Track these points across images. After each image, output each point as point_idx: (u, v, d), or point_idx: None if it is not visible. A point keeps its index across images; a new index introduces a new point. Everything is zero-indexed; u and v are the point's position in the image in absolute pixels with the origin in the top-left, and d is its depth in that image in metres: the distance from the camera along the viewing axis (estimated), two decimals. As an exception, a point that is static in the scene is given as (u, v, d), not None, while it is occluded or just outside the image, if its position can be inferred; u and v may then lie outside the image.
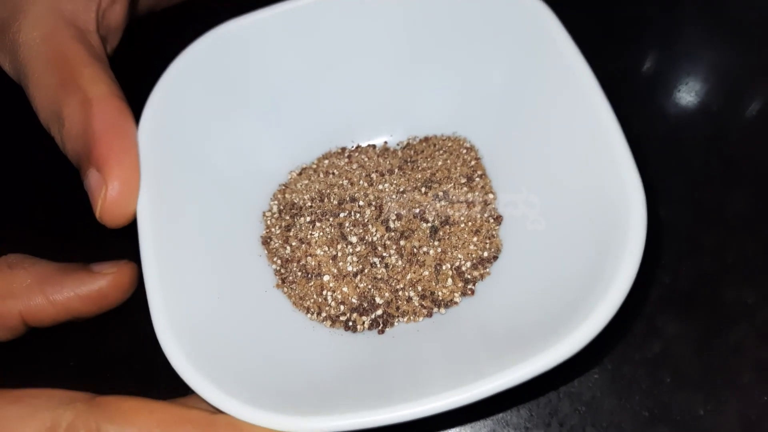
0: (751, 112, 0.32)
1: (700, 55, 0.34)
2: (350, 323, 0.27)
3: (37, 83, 0.25)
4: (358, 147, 0.32)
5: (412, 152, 0.31)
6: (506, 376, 0.20)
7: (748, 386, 0.25)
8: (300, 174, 0.31)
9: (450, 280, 0.27)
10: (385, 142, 0.32)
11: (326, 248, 0.28)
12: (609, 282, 0.21)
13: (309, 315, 0.27)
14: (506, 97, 0.29)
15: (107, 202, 0.24)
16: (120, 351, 0.29)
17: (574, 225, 0.25)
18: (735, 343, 0.26)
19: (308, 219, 0.29)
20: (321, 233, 0.28)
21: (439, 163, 0.30)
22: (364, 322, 0.27)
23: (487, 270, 0.27)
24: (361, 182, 0.30)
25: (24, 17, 0.26)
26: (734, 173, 0.30)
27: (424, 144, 0.31)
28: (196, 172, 0.28)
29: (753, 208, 0.29)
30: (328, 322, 0.27)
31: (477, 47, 0.30)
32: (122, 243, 0.25)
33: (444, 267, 0.27)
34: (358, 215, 0.28)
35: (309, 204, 0.29)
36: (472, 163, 0.30)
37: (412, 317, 0.27)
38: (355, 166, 0.31)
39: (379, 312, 0.27)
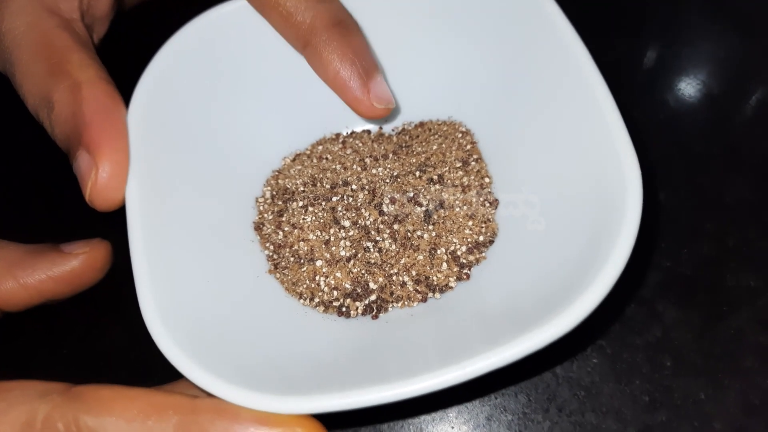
0: (752, 99, 0.31)
1: (702, 43, 0.34)
2: (344, 309, 0.26)
3: (25, 70, 0.25)
4: (352, 132, 0.32)
5: (407, 137, 0.31)
6: (500, 353, 0.19)
7: (749, 371, 0.25)
8: (294, 160, 0.31)
9: (445, 265, 0.26)
10: (380, 128, 0.32)
11: (319, 233, 0.27)
12: (603, 262, 0.20)
13: (302, 300, 0.27)
14: (504, 83, 0.29)
15: (98, 185, 0.23)
16: (115, 342, 0.29)
17: (571, 209, 0.24)
18: (736, 328, 0.25)
19: (300, 204, 0.28)
20: (313, 218, 0.28)
21: (434, 147, 0.30)
22: (357, 308, 0.26)
23: (483, 254, 0.27)
24: (354, 167, 0.29)
25: (6, 7, 0.26)
26: (735, 159, 0.30)
27: (419, 129, 0.31)
28: (187, 157, 0.27)
29: (754, 193, 0.28)
30: (321, 308, 0.26)
31: (475, 33, 0.29)
32: (112, 232, 0.25)
33: (439, 251, 0.27)
34: (351, 199, 0.28)
35: (302, 189, 0.29)
36: (468, 147, 0.30)
37: (406, 302, 0.26)
38: (349, 151, 0.30)
39: (373, 297, 0.26)
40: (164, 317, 0.22)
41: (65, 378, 0.27)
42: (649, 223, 0.28)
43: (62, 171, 0.34)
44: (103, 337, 0.29)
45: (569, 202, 0.24)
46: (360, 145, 0.31)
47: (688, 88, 0.32)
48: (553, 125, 0.26)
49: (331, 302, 0.26)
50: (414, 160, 0.29)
